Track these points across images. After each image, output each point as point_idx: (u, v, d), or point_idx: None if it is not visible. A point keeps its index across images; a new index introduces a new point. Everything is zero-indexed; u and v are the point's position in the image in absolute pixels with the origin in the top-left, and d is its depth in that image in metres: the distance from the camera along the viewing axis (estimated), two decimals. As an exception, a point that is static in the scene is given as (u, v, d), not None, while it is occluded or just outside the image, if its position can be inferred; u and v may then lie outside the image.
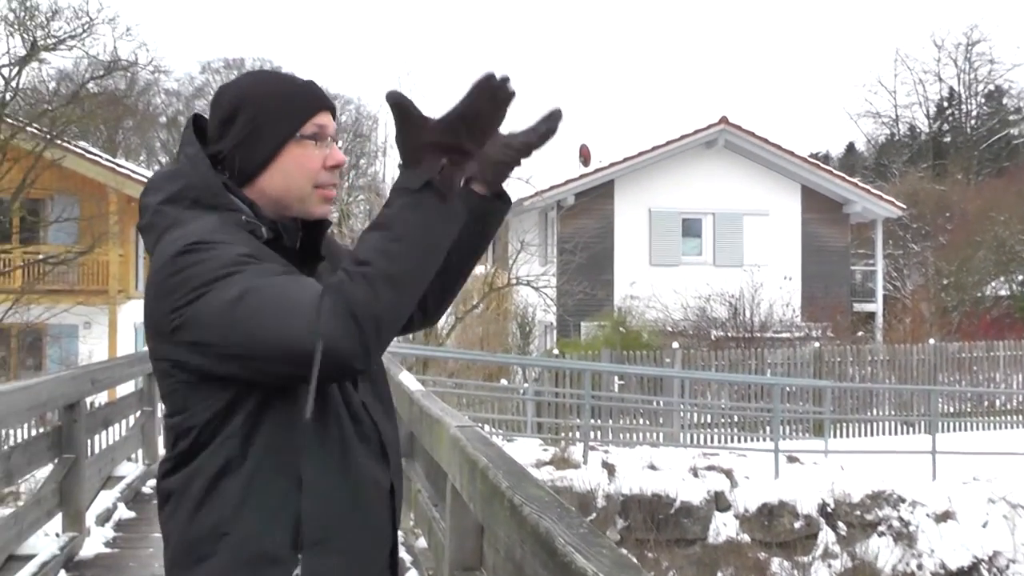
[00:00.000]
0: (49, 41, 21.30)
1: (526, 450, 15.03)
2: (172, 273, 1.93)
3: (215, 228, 1.98)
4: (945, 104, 62.63)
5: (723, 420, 20.80)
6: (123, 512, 8.64)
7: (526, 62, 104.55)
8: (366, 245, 1.86)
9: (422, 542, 6.28)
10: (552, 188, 26.74)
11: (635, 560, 1.90)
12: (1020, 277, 37.73)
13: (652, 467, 14.70)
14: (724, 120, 28.16)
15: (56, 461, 7.09)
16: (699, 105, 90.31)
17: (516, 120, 2.00)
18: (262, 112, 2.10)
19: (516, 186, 24.05)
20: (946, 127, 62.76)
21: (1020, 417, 22.44)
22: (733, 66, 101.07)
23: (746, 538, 14.24)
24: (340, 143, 2.24)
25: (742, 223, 28.75)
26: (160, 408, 11.14)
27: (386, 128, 33.45)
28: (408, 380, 6.38)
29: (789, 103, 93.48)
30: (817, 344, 23.63)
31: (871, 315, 31.28)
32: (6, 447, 12.71)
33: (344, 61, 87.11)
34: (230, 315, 1.85)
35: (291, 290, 1.86)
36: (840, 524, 14.64)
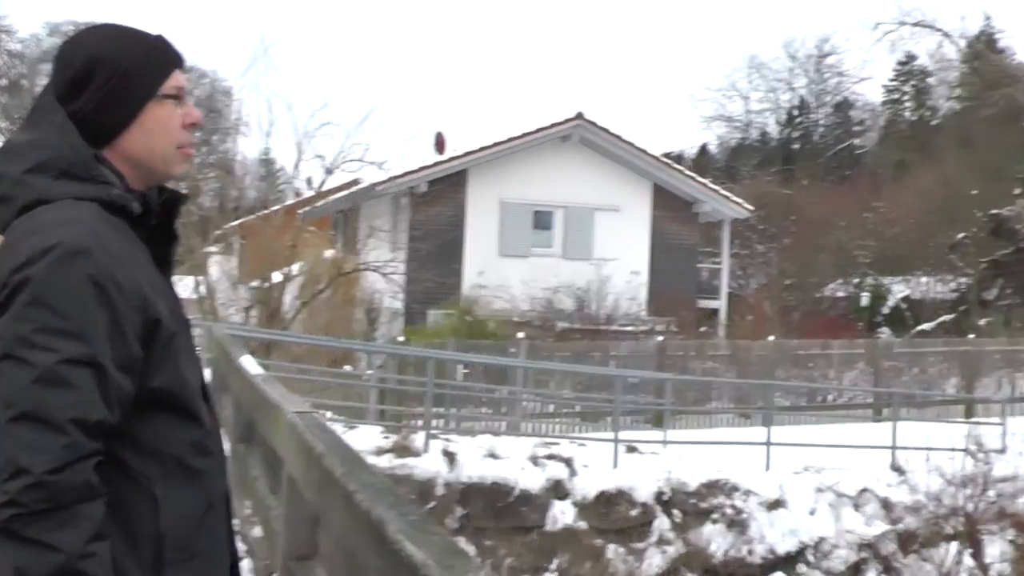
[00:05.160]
0: None
1: (367, 437, 14.86)
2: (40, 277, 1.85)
3: (92, 231, 1.89)
4: (795, 112, 64.64)
5: (565, 410, 20.95)
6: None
7: (380, 47, 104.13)
8: None
9: (257, 531, 6.16)
10: (406, 174, 26.62)
11: (467, 548, 1.87)
12: (856, 280, 39.18)
13: (493, 455, 14.68)
14: (580, 116, 28.40)
15: None
16: (557, 100, 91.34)
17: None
18: (120, 71, 2.03)
19: (370, 171, 23.89)
20: (795, 134, 64.76)
21: (850, 412, 23.21)
22: (592, 64, 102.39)
23: (583, 525, 14.35)
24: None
25: (593, 218, 29.00)
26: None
27: (240, 104, 32.92)
28: (250, 364, 6.21)
29: (646, 104, 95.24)
30: (661, 338, 24.01)
31: (715, 311, 31.98)
32: None
33: (198, 30, 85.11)
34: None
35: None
36: (675, 511, 14.87)
